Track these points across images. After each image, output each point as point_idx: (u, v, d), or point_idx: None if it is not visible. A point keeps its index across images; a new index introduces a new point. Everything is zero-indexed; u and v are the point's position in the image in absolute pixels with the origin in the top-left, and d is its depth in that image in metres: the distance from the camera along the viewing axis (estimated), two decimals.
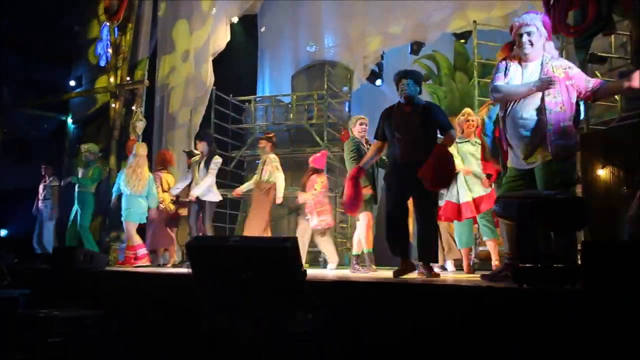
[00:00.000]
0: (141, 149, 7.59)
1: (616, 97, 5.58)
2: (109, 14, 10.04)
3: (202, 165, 7.22)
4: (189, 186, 7.32)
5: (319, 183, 7.03)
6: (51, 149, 11.88)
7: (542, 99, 3.66)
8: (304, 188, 7.11)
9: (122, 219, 7.40)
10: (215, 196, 7.23)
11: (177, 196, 7.59)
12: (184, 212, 7.62)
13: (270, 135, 7.73)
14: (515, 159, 3.88)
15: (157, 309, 4.82)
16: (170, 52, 9.87)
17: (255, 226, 7.25)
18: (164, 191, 7.72)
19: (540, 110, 3.66)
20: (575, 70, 3.72)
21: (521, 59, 3.82)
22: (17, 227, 11.93)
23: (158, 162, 8.12)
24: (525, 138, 3.73)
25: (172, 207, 7.65)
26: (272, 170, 7.33)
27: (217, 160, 7.29)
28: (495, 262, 5.65)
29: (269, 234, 7.31)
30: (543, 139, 3.65)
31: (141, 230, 7.63)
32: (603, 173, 4.99)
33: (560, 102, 3.64)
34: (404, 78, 4.77)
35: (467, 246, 5.94)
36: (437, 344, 3.15)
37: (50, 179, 9.27)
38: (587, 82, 3.69)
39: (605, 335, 2.52)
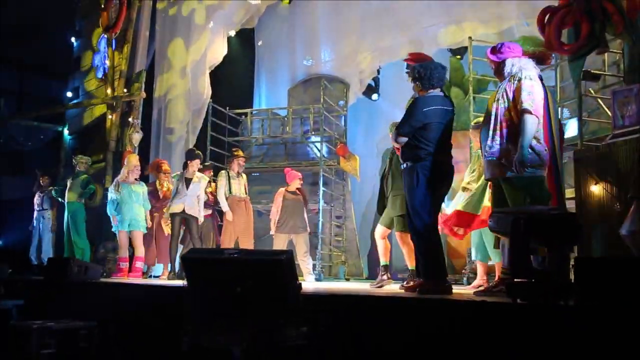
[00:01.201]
0: (134, 159, 7.70)
1: (609, 113, 5.63)
2: (106, 26, 10.08)
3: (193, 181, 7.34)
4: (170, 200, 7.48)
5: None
6: (47, 160, 11.87)
7: (494, 107, 3.97)
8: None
9: (128, 229, 7.40)
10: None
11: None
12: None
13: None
14: (484, 170, 4.13)
15: (151, 321, 4.81)
16: (167, 70, 9.90)
17: (251, 240, 7.42)
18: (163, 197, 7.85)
19: (494, 118, 3.94)
20: (517, 85, 3.88)
21: None
22: (11, 237, 11.89)
23: (152, 169, 8.24)
24: (485, 148, 4.01)
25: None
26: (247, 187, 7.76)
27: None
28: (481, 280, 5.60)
29: None
30: (498, 149, 3.90)
31: None
32: (596, 189, 5.02)
33: (505, 108, 3.90)
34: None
35: (476, 259, 5.61)
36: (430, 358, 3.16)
37: (50, 188, 9.26)
38: (520, 102, 3.83)
39: (597, 351, 2.54)
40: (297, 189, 7.59)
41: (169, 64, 9.93)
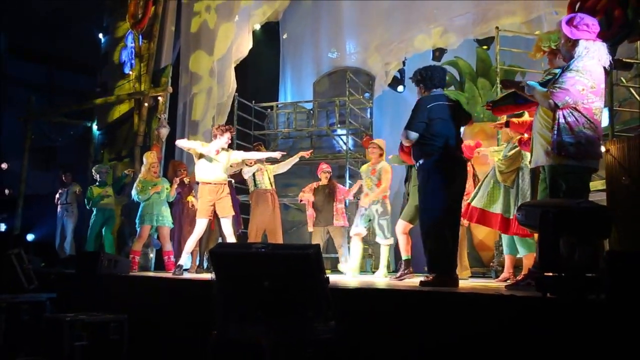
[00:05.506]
0: (150, 157, 7.80)
1: None
2: (133, 21, 10.18)
3: None
4: None
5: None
6: (77, 155, 12.07)
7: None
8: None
9: (155, 224, 7.47)
10: None
11: None
12: None
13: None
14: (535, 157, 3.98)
15: (179, 315, 4.87)
16: (196, 83, 9.89)
17: (279, 234, 7.49)
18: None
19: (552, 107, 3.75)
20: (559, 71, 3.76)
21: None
22: (43, 231, 12.12)
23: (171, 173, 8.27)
24: (540, 136, 3.84)
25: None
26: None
27: None
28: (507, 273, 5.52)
29: None
30: (552, 137, 3.71)
31: None
32: (627, 181, 4.92)
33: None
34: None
35: (508, 253, 5.51)
36: (458, 352, 3.14)
37: (72, 184, 9.51)
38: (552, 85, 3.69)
39: (629, 347, 2.49)
40: (329, 181, 7.63)
41: (196, 76, 9.90)
